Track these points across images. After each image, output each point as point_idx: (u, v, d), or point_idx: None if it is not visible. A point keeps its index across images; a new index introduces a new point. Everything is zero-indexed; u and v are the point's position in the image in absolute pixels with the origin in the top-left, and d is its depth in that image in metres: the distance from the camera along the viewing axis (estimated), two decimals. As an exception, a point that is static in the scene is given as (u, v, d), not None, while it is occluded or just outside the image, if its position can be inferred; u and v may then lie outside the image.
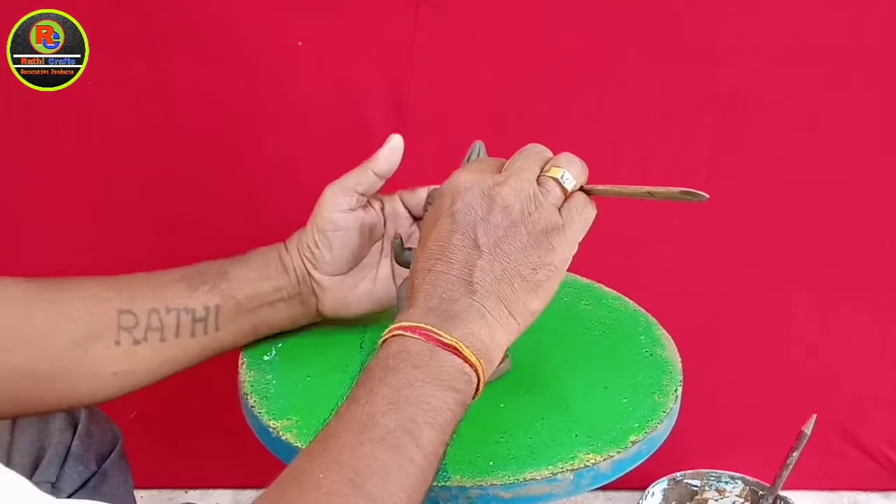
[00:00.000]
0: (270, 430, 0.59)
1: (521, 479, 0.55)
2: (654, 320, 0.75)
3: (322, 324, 0.69)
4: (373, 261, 0.67)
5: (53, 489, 0.62)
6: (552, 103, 1.01)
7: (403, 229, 0.68)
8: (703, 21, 0.97)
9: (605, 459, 0.57)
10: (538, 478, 0.55)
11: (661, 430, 0.62)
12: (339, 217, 0.64)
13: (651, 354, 0.70)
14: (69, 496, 0.63)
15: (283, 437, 0.58)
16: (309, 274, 0.65)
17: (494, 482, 0.55)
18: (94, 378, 0.59)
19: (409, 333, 0.47)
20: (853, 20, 0.97)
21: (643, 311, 0.77)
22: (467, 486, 0.54)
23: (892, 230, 1.09)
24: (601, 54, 0.98)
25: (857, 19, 0.97)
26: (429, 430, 0.44)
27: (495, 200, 0.51)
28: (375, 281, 0.67)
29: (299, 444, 0.58)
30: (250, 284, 0.63)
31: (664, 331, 0.74)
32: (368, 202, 0.66)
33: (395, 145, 0.66)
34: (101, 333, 0.58)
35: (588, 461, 0.57)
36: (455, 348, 0.46)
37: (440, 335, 0.46)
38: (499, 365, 0.64)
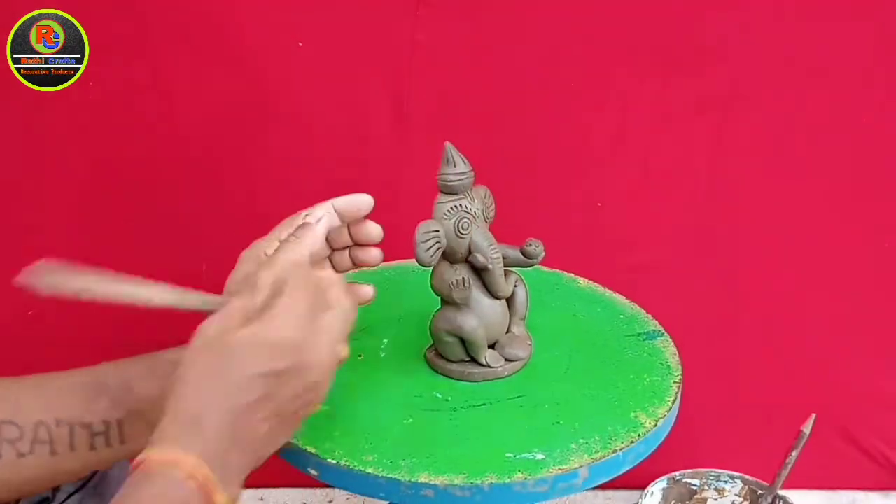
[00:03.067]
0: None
1: (506, 481, 0.55)
2: (650, 317, 0.76)
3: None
4: None
5: (54, 489, 0.62)
6: (552, 103, 1.01)
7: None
8: (702, 21, 0.97)
9: (615, 453, 0.58)
10: (520, 479, 0.55)
11: (663, 427, 0.62)
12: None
13: (650, 351, 0.70)
14: (69, 496, 0.63)
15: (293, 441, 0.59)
16: None
17: (475, 482, 0.55)
18: None
19: (191, 482, 0.45)
20: (853, 20, 0.97)
21: (640, 308, 0.77)
22: (451, 484, 0.54)
23: (892, 230, 1.09)
24: (601, 55, 0.98)
25: (857, 19, 0.97)
26: None
27: (318, 388, 0.51)
28: None
29: (308, 449, 0.58)
30: (160, 402, 0.53)
31: (661, 328, 0.74)
32: None
33: (322, 220, 0.61)
34: None
35: (599, 456, 0.57)
36: None
37: (217, 498, 0.47)
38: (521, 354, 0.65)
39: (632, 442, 0.58)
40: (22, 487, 0.56)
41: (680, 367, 0.68)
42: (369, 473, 0.55)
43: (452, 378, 0.65)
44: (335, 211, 0.61)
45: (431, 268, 0.64)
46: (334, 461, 0.56)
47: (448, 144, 0.62)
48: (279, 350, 0.49)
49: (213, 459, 0.47)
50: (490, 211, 0.64)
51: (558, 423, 0.61)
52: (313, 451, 0.57)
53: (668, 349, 0.71)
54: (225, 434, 0.47)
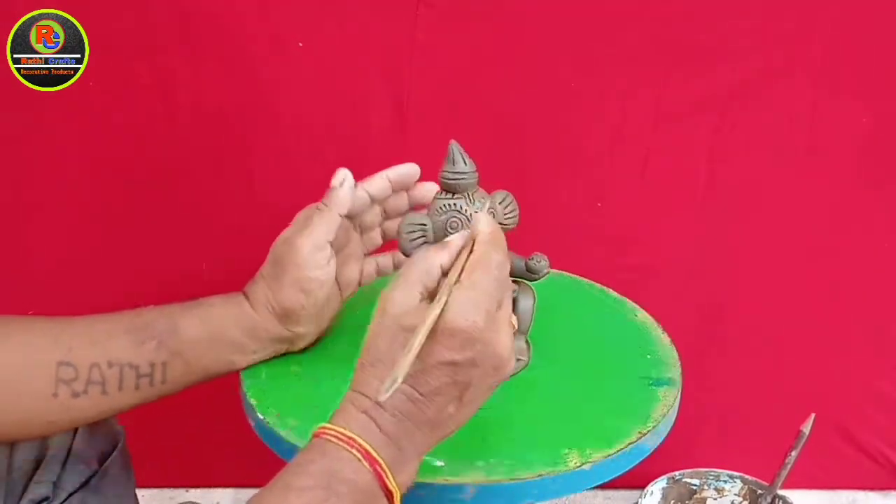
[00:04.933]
0: (291, 445, 0.59)
1: (518, 478, 0.55)
2: (643, 312, 0.76)
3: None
4: (337, 278, 0.66)
5: (55, 487, 0.62)
6: (552, 103, 1.01)
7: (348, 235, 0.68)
8: (702, 21, 0.97)
9: (615, 452, 0.58)
10: (538, 475, 0.56)
11: (667, 421, 0.62)
12: (320, 273, 0.62)
13: (647, 346, 0.71)
14: (70, 495, 0.63)
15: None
16: (285, 334, 0.64)
17: (490, 480, 0.55)
18: (27, 425, 0.57)
19: (364, 461, 0.46)
20: (853, 20, 0.97)
21: (632, 303, 0.77)
22: (466, 483, 0.55)
23: (892, 230, 1.09)
24: (601, 54, 0.98)
25: (857, 19, 0.97)
26: None
27: (500, 371, 0.50)
28: (341, 294, 0.67)
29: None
30: (201, 344, 0.60)
31: (656, 323, 0.74)
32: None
33: (345, 181, 0.64)
34: (38, 385, 0.56)
35: (599, 456, 0.57)
36: (391, 495, 0.47)
37: (388, 479, 0.47)
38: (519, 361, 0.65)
39: (632, 442, 0.58)
40: (71, 424, 0.59)
41: (680, 366, 0.68)
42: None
43: None
44: (389, 182, 0.66)
45: None
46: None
47: (453, 143, 0.62)
48: (465, 338, 0.48)
49: (391, 442, 0.48)
50: (507, 218, 0.63)
51: (558, 423, 0.61)
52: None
53: (663, 341, 0.71)
54: (406, 417, 0.48)
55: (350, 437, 0.47)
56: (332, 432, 0.47)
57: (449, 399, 0.49)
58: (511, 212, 0.63)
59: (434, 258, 0.52)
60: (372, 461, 0.46)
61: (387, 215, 0.70)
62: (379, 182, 0.67)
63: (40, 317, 0.59)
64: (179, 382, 0.61)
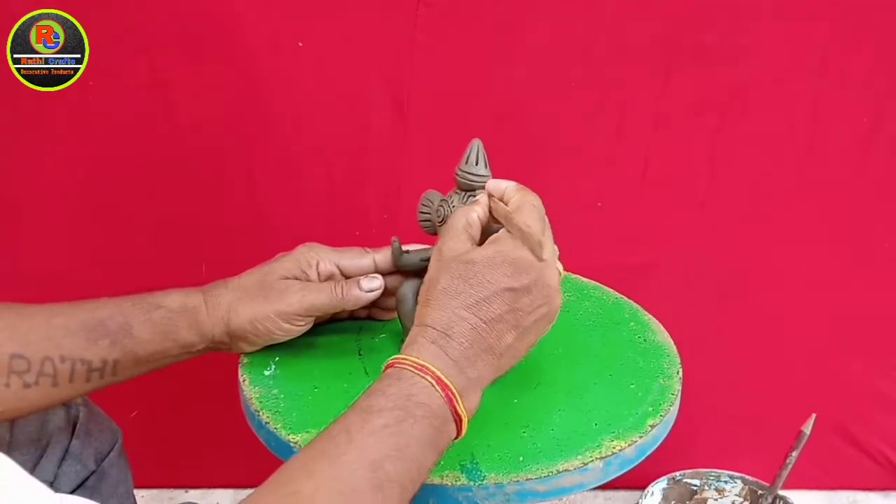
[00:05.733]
0: (292, 445, 0.59)
1: (555, 472, 0.56)
2: (637, 306, 0.76)
3: (313, 332, 0.68)
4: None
5: (52, 488, 0.62)
6: (552, 103, 1.01)
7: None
8: (703, 21, 0.97)
9: (629, 445, 0.58)
10: (570, 468, 0.56)
11: (673, 412, 0.63)
12: (292, 331, 0.64)
13: (644, 340, 0.71)
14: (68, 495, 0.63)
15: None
16: (230, 345, 0.64)
17: (530, 477, 0.55)
18: None
19: (437, 386, 0.50)
20: (853, 20, 0.97)
21: (625, 298, 0.78)
22: (504, 483, 0.55)
23: (892, 230, 1.09)
24: (601, 54, 0.98)
25: (857, 19, 0.97)
26: (412, 488, 0.48)
27: (551, 302, 0.55)
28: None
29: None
30: (154, 344, 0.62)
31: (651, 316, 0.75)
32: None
33: (374, 292, 0.65)
34: None
35: (614, 448, 0.58)
36: (460, 419, 0.50)
37: (457, 404, 0.50)
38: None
39: (632, 442, 0.58)
40: (20, 413, 0.60)
41: (680, 366, 0.68)
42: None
43: None
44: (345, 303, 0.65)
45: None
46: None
47: (476, 142, 0.63)
48: (521, 266, 0.53)
49: (459, 369, 0.51)
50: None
51: (557, 424, 0.61)
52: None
53: (659, 333, 0.72)
54: (471, 345, 0.51)
55: (423, 365, 0.50)
56: (407, 362, 0.51)
57: (508, 327, 0.53)
58: None
59: (471, 212, 0.58)
60: (444, 387, 0.50)
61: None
62: (364, 261, 0.68)
63: (3, 304, 0.60)
64: (128, 374, 0.62)
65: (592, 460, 0.57)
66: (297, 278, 0.64)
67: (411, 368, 0.50)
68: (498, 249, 0.54)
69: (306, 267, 0.65)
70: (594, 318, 0.74)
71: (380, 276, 0.65)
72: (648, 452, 0.60)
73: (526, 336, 0.54)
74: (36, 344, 0.58)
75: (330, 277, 0.65)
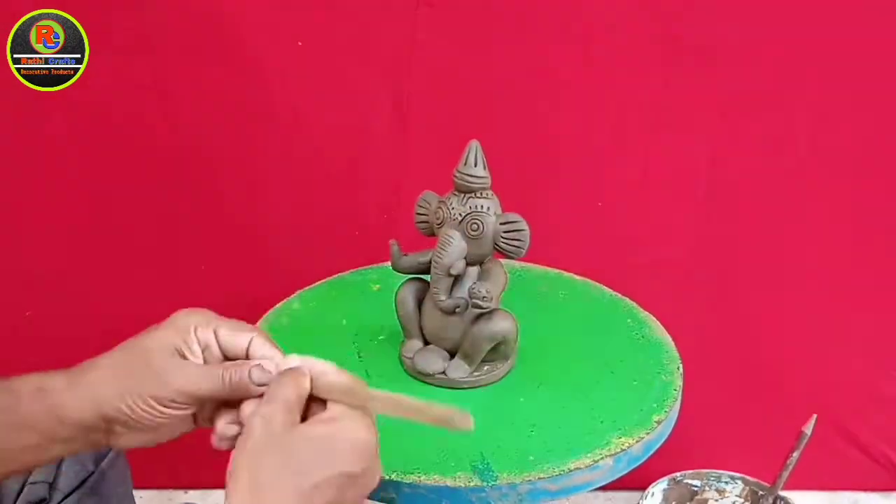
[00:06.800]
0: None
1: (566, 470, 0.56)
2: (632, 303, 0.76)
3: (317, 328, 0.68)
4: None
5: (51, 488, 0.62)
6: (552, 103, 1.01)
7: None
8: (703, 21, 0.96)
9: (637, 442, 0.59)
10: (581, 466, 0.56)
11: (676, 408, 0.63)
12: (184, 404, 0.53)
13: (642, 336, 0.71)
14: (67, 496, 0.62)
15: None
16: (105, 425, 0.52)
17: (542, 476, 0.56)
18: None
19: None
20: (853, 20, 0.97)
21: (619, 295, 0.78)
22: (516, 482, 0.55)
23: (892, 230, 1.09)
24: (601, 54, 0.98)
25: (857, 19, 0.97)
26: None
27: (367, 490, 0.48)
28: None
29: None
30: None
31: (646, 312, 0.75)
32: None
33: (264, 381, 0.51)
34: None
35: (622, 445, 0.58)
36: None
37: None
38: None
39: (639, 438, 0.59)
40: None
41: (680, 367, 0.68)
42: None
43: (433, 385, 0.65)
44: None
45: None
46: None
47: (474, 143, 0.62)
48: (360, 452, 0.46)
49: None
50: (506, 244, 0.62)
51: (564, 422, 0.61)
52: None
53: (655, 329, 0.72)
54: None
55: None
56: None
57: None
58: (513, 239, 0.62)
59: (300, 386, 0.49)
60: None
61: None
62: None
63: None
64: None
65: (602, 458, 0.57)
66: (177, 350, 0.52)
67: None
68: (337, 428, 0.46)
69: (185, 334, 0.53)
70: (590, 317, 0.75)
71: (272, 365, 0.51)
72: (654, 449, 0.60)
73: None
74: None
75: (207, 349, 0.53)
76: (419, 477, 0.55)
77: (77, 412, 0.51)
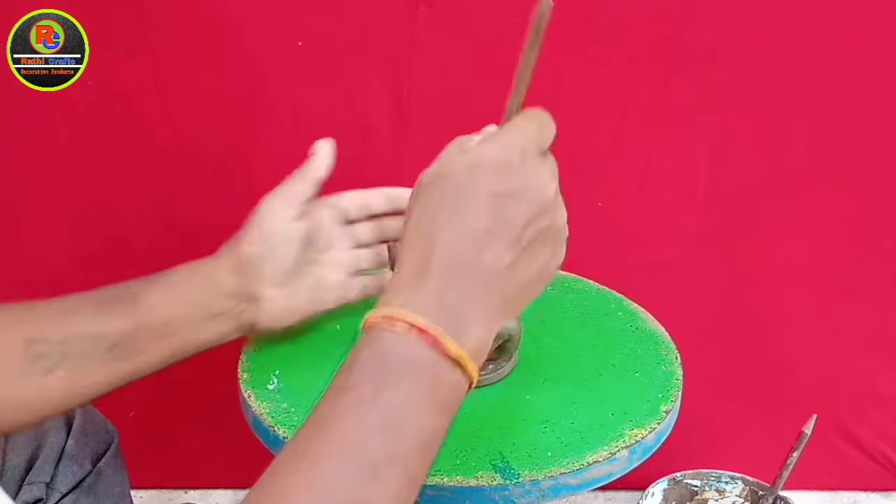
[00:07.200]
0: None
1: (585, 464, 0.56)
2: (621, 296, 0.77)
3: (312, 334, 0.68)
4: (313, 268, 0.65)
5: (48, 488, 0.62)
6: (552, 103, 1.00)
7: (334, 234, 0.67)
8: (703, 21, 0.96)
9: (650, 432, 0.59)
10: (599, 459, 0.56)
11: (680, 397, 0.64)
12: (283, 227, 0.63)
13: (636, 328, 0.72)
14: (64, 496, 0.63)
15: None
16: (246, 289, 0.62)
17: (563, 471, 0.56)
18: (3, 410, 0.55)
19: (413, 334, 0.41)
20: (853, 20, 0.97)
21: (607, 288, 0.78)
22: (539, 479, 0.55)
23: (892, 230, 1.09)
24: (601, 54, 0.98)
25: (857, 19, 0.97)
26: (420, 457, 0.40)
27: (549, 213, 0.48)
28: (316, 289, 0.65)
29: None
30: (166, 308, 0.59)
31: (636, 304, 0.75)
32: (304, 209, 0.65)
33: (327, 150, 0.68)
34: (7, 364, 0.54)
35: (636, 436, 0.58)
36: (459, 362, 0.42)
37: (447, 346, 0.41)
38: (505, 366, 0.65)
39: (652, 429, 0.59)
40: (44, 413, 0.56)
41: (680, 367, 0.68)
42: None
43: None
44: (314, 181, 0.68)
45: None
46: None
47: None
48: (501, 168, 0.45)
49: (439, 302, 0.42)
50: None
51: (576, 417, 0.61)
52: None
53: (648, 321, 0.72)
54: (454, 273, 0.43)
55: (391, 317, 0.42)
56: (374, 319, 0.43)
57: (501, 243, 0.44)
58: None
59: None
60: (420, 332, 0.41)
61: (383, 236, 0.69)
62: (377, 195, 0.68)
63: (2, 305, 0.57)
64: (154, 355, 0.59)
65: (619, 450, 0.57)
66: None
67: (382, 322, 0.42)
68: (476, 153, 0.46)
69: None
70: (582, 310, 0.75)
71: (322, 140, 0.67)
72: (664, 438, 0.61)
73: (532, 258, 0.45)
74: (47, 326, 0.55)
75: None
76: (442, 479, 0.55)
77: (227, 273, 0.61)
